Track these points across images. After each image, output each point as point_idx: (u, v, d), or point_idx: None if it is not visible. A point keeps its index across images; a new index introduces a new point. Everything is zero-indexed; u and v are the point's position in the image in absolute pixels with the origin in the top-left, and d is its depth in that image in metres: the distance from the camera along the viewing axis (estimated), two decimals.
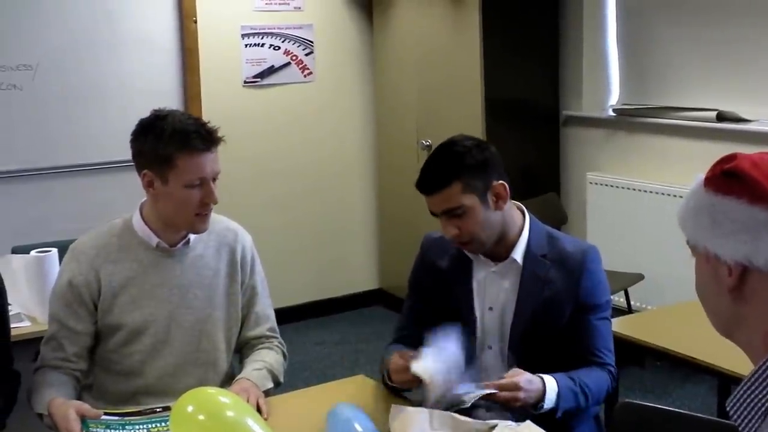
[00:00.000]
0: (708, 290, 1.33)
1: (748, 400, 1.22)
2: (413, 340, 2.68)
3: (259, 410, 2.44)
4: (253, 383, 2.59)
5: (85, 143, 5.34)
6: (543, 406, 2.38)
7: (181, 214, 2.60)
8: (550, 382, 2.41)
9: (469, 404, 2.35)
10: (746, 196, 1.24)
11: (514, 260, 2.58)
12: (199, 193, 2.56)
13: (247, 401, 2.43)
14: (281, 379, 2.77)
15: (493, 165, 2.52)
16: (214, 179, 2.59)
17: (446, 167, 2.48)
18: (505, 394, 2.33)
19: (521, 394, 2.33)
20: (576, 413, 2.50)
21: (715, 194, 1.28)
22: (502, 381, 2.36)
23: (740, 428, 1.23)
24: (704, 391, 4.63)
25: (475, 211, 2.48)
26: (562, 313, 2.56)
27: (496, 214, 2.52)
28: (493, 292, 2.61)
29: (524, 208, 2.65)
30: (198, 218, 2.61)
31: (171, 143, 2.52)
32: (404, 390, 2.56)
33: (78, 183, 5.36)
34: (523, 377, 2.36)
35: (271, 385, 2.69)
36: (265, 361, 2.73)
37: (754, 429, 1.22)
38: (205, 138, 2.55)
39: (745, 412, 1.22)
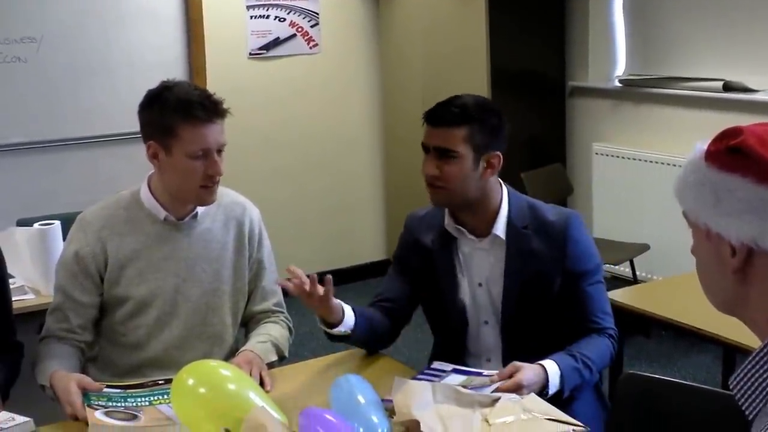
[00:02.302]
0: (709, 270, 1.29)
1: (752, 380, 1.20)
2: (388, 310, 2.70)
3: (262, 382, 2.44)
4: (256, 355, 2.58)
5: (90, 115, 5.32)
6: (548, 392, 2.35)
7: (186, 185, 2.59)
8: (551, 366, 2.38)
9: None
10: (752, 174, 1.19)
11: (497, 236, 2.58)
12: (203, 165, 2.54)
13: (250, 373, 2.43)
14: (286, 354, 2.76)
15: (501, 136, 2.55)
16: (219, 151, 2.57)
17: (465, 108, 2.50)
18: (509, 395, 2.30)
19: (524, 391, 2.27)
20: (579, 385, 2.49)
21: (718, 170, 1.22)
22: (504, 384, 2.29)
23: (743, 408, 1.21)
24: (709, 360, 4.64)
25: (463, 162, 2.49)
26: (550, 284, 2.55)
27: (480, 180, 2.52)
28: (480, 268, 2.61)
29: (502, 181, 2.64)
30: (204, 190, 2.59)
31: (174, 113, 2.51)
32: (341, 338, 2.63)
33: (84, 155, 5.35)
34: (524, 376, 2.30)
35: (275, 358, 2.68)
36: (270, 334, 2.73)
37: (756, 410, 1.20)
38: (209, 108, 2.53)
39: (749, 392, 1.20)
